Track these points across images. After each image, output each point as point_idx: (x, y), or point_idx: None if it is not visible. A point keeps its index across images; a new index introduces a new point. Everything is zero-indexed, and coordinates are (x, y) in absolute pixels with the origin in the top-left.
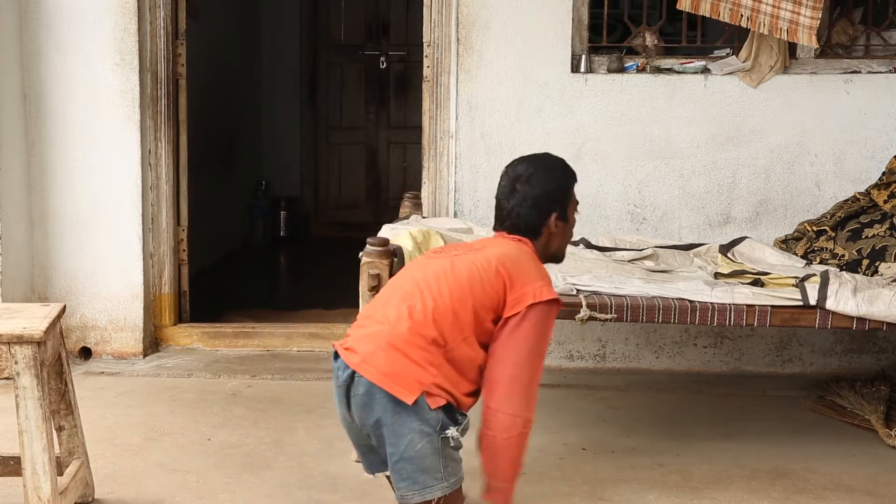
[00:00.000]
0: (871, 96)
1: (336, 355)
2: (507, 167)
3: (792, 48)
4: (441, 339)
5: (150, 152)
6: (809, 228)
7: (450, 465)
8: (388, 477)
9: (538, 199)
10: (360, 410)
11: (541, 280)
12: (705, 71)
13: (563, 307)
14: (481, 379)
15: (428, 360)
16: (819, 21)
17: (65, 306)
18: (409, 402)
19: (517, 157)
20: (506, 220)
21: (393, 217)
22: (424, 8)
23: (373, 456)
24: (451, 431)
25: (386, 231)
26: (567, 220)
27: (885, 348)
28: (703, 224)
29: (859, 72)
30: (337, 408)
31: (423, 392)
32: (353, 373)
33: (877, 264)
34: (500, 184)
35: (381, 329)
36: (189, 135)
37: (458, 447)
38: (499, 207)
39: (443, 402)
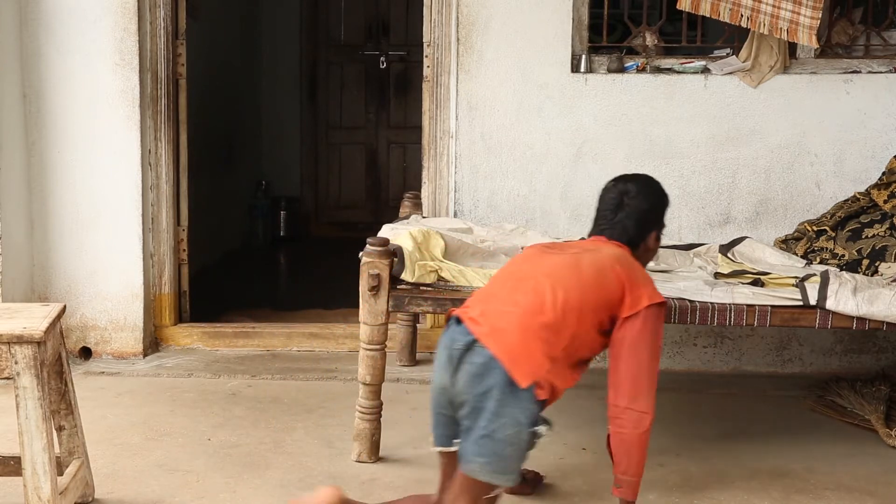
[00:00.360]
0: (871, 96)
1: (458, 321)
2: (614, 182)
3: (792, 48)
4: (566, 333)
5: (150, 152)
6: (809, 228)
7: (522, 461)
8: (442, 454)
9: (645, 214)
10: (471, 378)
11: (651, 284)
12: (705, 71)
13: None
14: (577, 376)
15: (548, 353)
16: (819, 21)
17: (65, 306)
18: (524, 385)
19: (618, 175)
20: (610, 229)
21: (393, 217)
22: (424, 8)
23: (449, 429)
24: (542, 429)
25: (386, 231)
26: (659, 240)
27: (885, 348)
28: (703, 224)
29: (859, 72)
30: (437, 374)
31: (535, 382)
32: (474, 341)
33: (877, 264)
34: (605, 195)
35: (512, 311)
36: (189, 135)
37: (533, 447)
38: (601, 217)
39: (545, 397)
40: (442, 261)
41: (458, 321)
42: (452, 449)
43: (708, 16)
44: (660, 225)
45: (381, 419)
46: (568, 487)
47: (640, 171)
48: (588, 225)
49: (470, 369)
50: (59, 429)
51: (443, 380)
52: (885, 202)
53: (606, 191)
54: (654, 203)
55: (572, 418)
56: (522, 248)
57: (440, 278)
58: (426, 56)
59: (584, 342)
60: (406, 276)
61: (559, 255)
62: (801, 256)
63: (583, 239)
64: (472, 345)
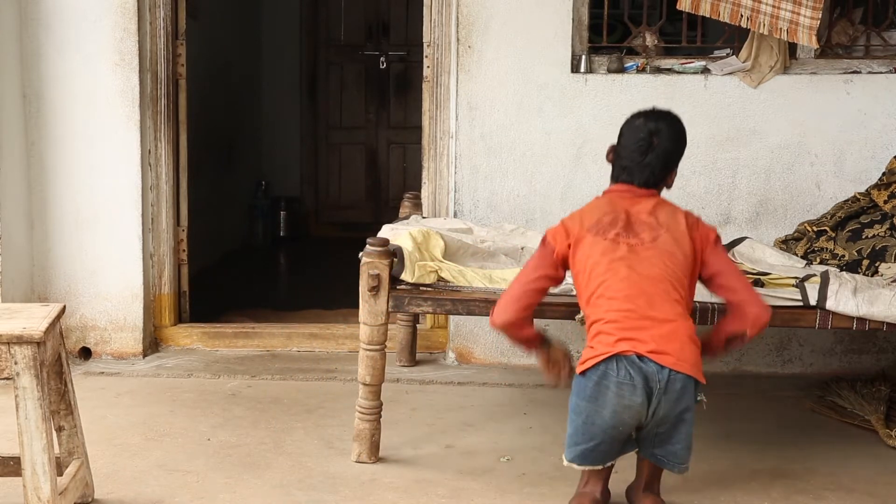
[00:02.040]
0: (872, 96)
1: (637, 358)
2: (643, 119)
3: (792, 48)
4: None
5: (149, 152)
6: (809, 229)
7: None
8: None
9: (670, 153)
10: (673, 403)
11: (697, 217)
12: (705, 71)
13: (563, 307)
14: None
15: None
16: (819, 21)
17: (64, 306)
18: (704, 381)
19: (637, 112)
20: (640, 173)
21: (393, 217)
22: (424, 8)
23: (621, 447)
24: (701, 396)
25: (386, 231)
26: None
27: (885, 348)
28: None
29: (859, 72)
30: (624, 410)
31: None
32: (670, 371)
33: (877, 264)
34: (633, 133)
35: (673, 326)
36: (189, 135)
37: None
38: (630, 159)
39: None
40: (442, 261)
41: (625, 356)
42: (612, 462)
43: (708, 16)
44: (678, 163)
45: (381, 419)
46: (567, 488)
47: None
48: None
49: (671, 396)
50: (59, 429)
51: (638, 417)
52: (886, 202)
53: (635, 129)
54: (680, 144)
55: None
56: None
57: (440, 279)
58: (426, 56)
59: None
60: (406, 276)
61: (646, 248)
62: (802, 257)
63: (613, 188)
64: (669, 375)
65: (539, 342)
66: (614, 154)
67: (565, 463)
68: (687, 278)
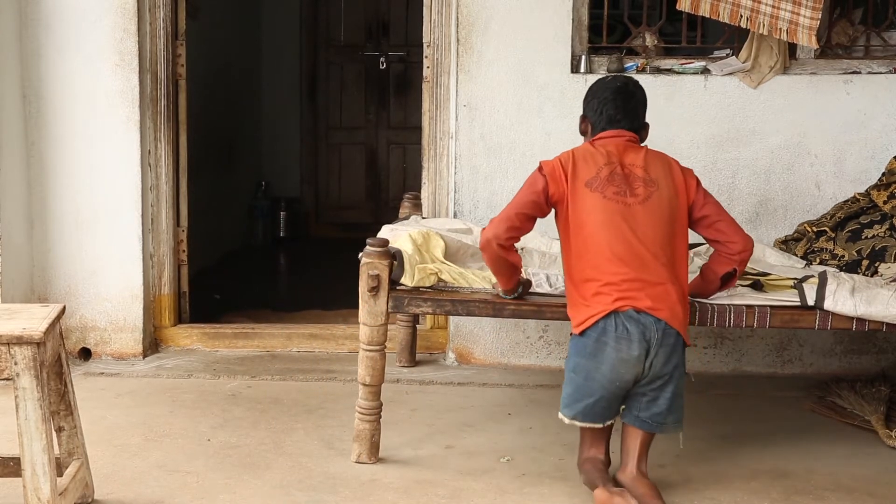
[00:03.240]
0: (871, 97)
1: (635, 312)
2: (606, 80)
3: (792, 49)
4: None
5: (149, 153)
6: (809, 229)
7: None
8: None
9: (645, 102)
10: (667, 358)
11: (679, 164)
12: (705, 71)
13: (563, 308)
14: None
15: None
16: (819, 21)
17: (64, 307)
18: (689, 344)
19: (598, 79)
20: (628, 118)
21: (393, 217)
22: (424, 8)
23: (617, 404)
24: (689, 374)
25: (385, 232)
26: None
27: (884, 349)
28: None
29: (859, 72)
30: (621, 365)
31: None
32: (666, 325)
33: (876, 265)
34: (608, 90)
35: (664, 288)
36: (189, 135)
37: None
38: (615, 105)
39: None
40: (443, 261)
41: (622, 311)
42: (611, 421)
43: (708, 16)
44: None
45: (381, 420)
46: (568, 488)
47: None
48: None
49: (665, 350)
50: (59, 430)
51: (635, 371)
52: (885, 203)
53: (608, 85)
54: (646, 100)
55: None
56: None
57: (440, 280)
58: (426, 56)
59: None
60: (406, 280)
61: (642, 204)
62: (801, 257)
63: (604, 135)
64: (665, 329)
65: (518, 283)
66: (591, 118)
67: (567, 421)
68: (677, 237)
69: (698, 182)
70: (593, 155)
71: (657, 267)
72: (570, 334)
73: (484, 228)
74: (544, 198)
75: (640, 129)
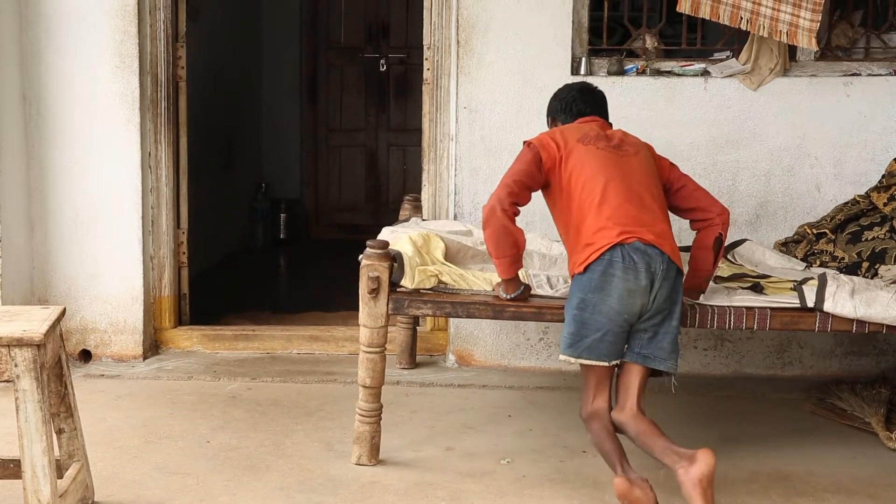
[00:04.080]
0: (871, 99)
1: (642, 244)
2: (570, 84)
3: (792, 51)
4: None
5: (149, 155)
6: (809, 231)
7: None
8: (603, 367)
9: (607, 105)
10: (668, 292)
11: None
12: (705, 73)
13: (563, 310)
14: None
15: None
16: (819, 23)
17: (65, 309)
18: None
19: (559, 89)
20: (598, 108)
21: (393, 219)
22: (424, 10)
23: (621, 343)
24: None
25: (385, 234)
26: None
27: (885, 351)
28: None
29: (859, 74)
30: (625, 299)
31: None
32: (669, 258)
33: (877, 267)
34: (573, 91)
35: (662, 228)
36: (189, 137)
37: None
38: (584, 103)
39: None
40: (444, 263)
41: (627, 243)
42: (616, 361)
43: (708, 18)
44: None
45: (381, 422)
46: (568, 490)
47: None
48: None
49: (668, 284)
50: (59, 432)
51: (641, 302)
52: (885, 205)
53: (571, 87)
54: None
55: (572, 421)
56: (581, 142)
57: (440, 282)
58: (426, 59)
59: None
60: (406, 282)
61: (631, 158)
62: (801, 259)
63: (579, 119)
64: (669, 261)
65: (517, 269)
66: (560, 118)
67: (572, 361)
68: (662, 197)
69: (670, 162)
70: (578, 127)
71: (655, 208)
72: (571, 277)
73: (483, 206)
74: (537, 167)
75: (608, 123)
